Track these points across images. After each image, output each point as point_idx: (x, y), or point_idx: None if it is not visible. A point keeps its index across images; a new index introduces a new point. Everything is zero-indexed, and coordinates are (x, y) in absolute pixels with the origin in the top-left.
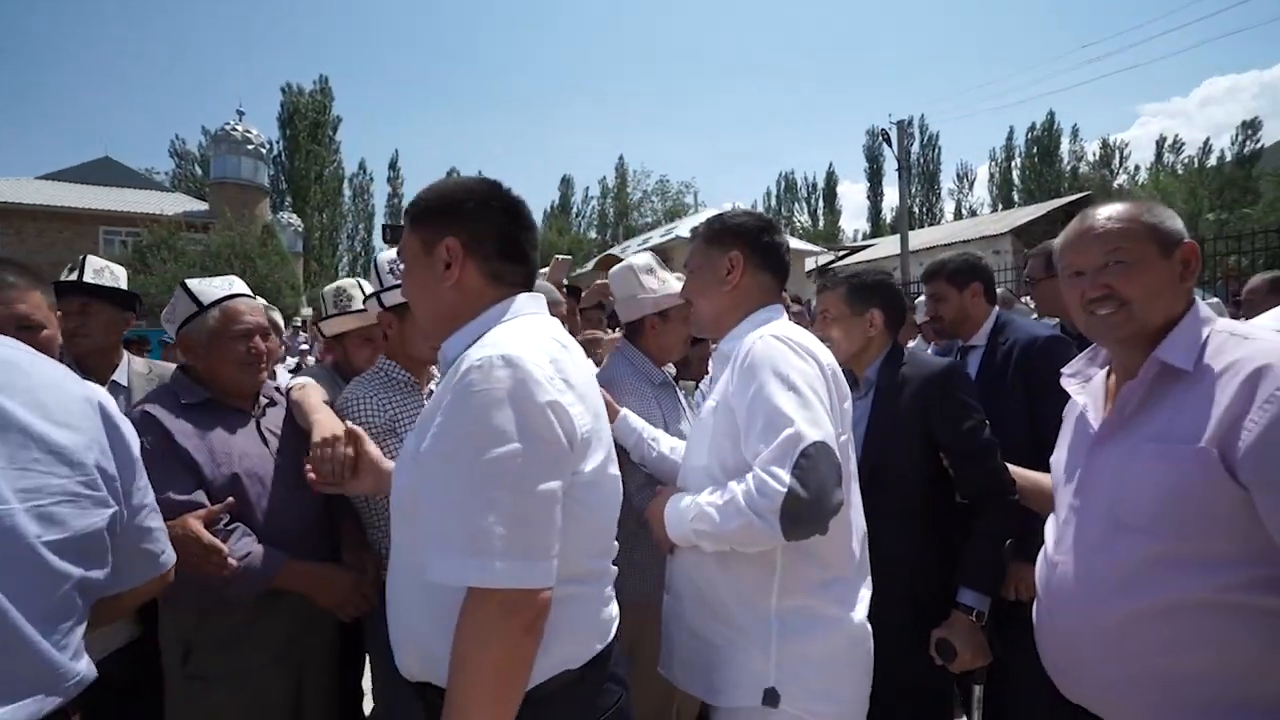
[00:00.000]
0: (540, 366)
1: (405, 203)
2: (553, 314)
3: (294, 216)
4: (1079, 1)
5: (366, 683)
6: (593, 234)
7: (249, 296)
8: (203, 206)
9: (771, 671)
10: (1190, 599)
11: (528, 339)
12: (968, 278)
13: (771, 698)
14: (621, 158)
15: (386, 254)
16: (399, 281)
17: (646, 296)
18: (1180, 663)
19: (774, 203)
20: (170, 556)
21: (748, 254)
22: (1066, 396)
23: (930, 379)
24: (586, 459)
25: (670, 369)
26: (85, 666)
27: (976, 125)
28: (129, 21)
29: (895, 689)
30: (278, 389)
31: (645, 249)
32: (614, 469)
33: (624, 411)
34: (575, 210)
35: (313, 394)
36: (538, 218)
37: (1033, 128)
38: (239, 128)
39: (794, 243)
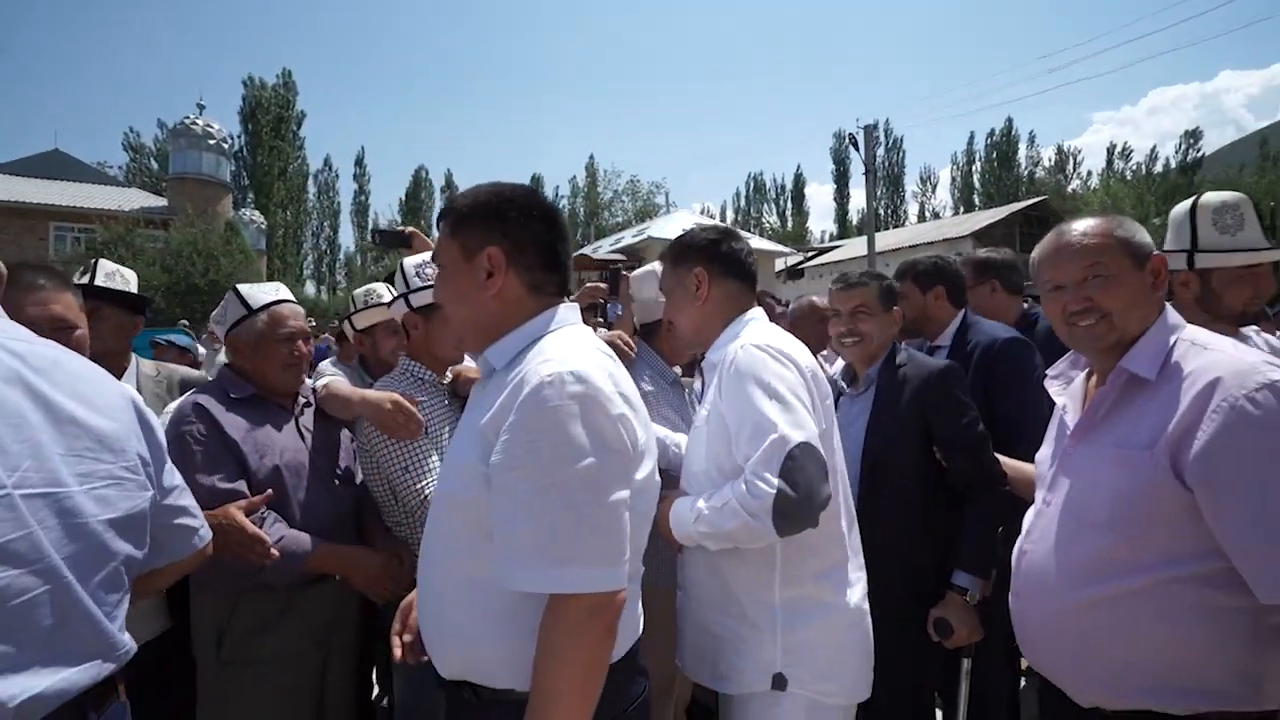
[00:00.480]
0: (606, 382)
1: (371, 200)
2: None
3: (256, 213)
4: (1039, 13)
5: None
6: None
7: (292, 302)
8: (161, 202)
9: (778, 657)
10: (1140, 592)
11: (587, 353)
12: (932, 280)
13: (780, 682)
14: (592, 157)
15: (413, 258)
16: (425, 284)
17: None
18: (1129, 648)
19: (743, 203)
20: (207, 533)
21: (709, 266)
22: (1023, 396)
23: (929, 379)
24: (640, 467)
25: (676, 369)
26: (129, 640)
27: (939, 130)
28: (79, 7)
29: (898, 680)
30: (314, 389)
31: (618, 249)
32: (657, 475)
33: None
34: None
35: (342, 383)
36: None
37: (992, 133)
38: (199, 122)
39: (763, 243)
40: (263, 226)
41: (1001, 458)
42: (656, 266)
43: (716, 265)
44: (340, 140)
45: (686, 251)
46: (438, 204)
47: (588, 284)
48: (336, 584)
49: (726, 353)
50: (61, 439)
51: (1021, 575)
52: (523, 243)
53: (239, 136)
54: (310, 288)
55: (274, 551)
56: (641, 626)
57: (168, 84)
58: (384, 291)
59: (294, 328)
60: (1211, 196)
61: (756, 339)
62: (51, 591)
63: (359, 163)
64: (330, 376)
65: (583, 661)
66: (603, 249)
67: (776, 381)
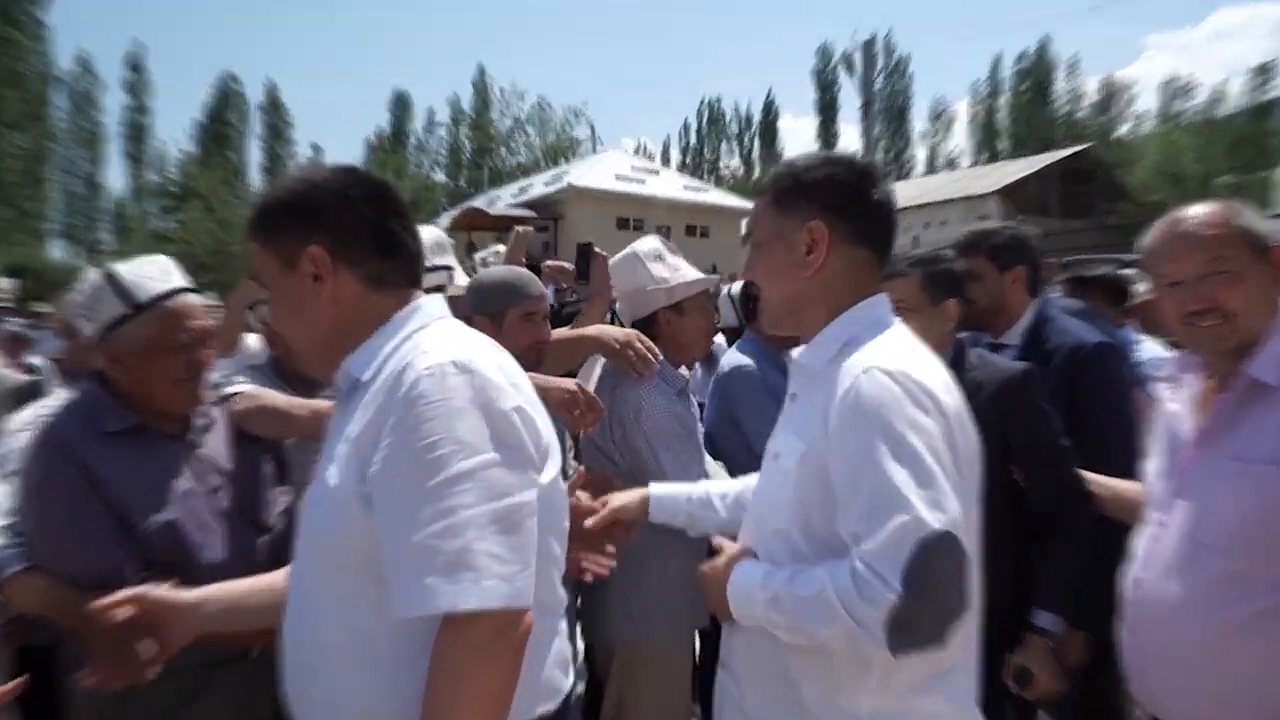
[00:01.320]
0: (494, 371)
1: (154, 120)
2: (528, 313)
3: None
4: None
5: None
6: (441, 176)
7: (193, 290)
8: None
9: None
10: (1266, 613)
11: (469, 342)
12: (1013, 258)
13: None
14: (482, 69)
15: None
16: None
17: (658, 288)
18: (1257, 672)
19: (694, 140)
20: None
21: (833, 220)
22: (1117, 412)
23: (1007, 385)
24: (544, 470)
25: (683, 372)
26: None
27: (956, 50)
28: None
29: None
30: (221, 399)
31: (522, 202)
32: (562, 483)
33: (651, 490)
34: (415, 141)
35: (271, 393)
36: (358, 147)
37: (1022, 57)
38: None
39: (722, 196)
40: None
41: (1092, 475)
42: (639, 247)
43: (845, 222)
44: (106, 34)
45: (799, 191)
46: (256, 127)
47: (547, 262)
48: (252, 663)
49: (843, 372)
50: None
51: (1136, 605)
52: (347, 233)
53: None
54: (58, 249)
55: (153, 672)
56: (569, 683)
57: None
58: None
59: (196, 330)
60: None
61: (887, 360)
62: None
63: (135, 67)
64: (244, 384)
65: (490, 690)
66: (501, 202)
67: (914, 436)
